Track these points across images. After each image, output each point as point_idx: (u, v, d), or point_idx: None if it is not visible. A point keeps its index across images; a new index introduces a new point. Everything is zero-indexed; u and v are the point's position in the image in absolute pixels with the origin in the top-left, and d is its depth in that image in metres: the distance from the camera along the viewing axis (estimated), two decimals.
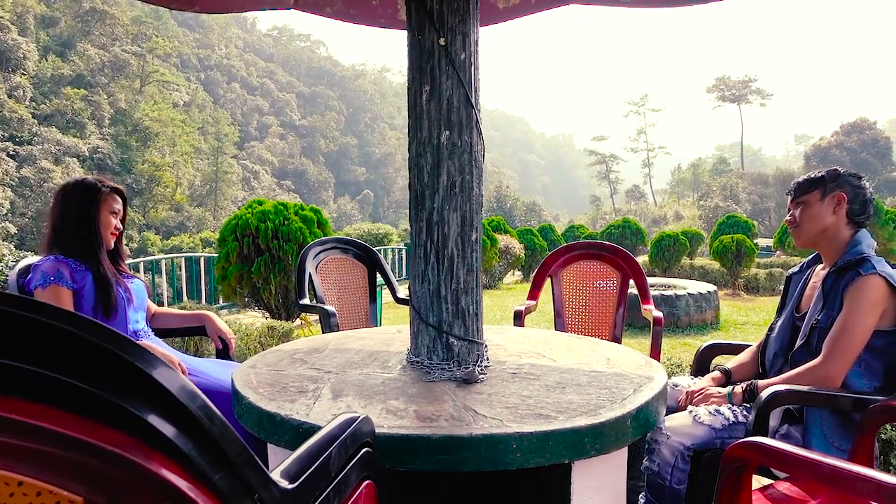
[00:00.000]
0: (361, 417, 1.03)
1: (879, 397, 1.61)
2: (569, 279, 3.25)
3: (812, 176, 1.84)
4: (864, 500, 1.25)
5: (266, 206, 6.38)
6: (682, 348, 5.79)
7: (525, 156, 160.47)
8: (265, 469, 0.68)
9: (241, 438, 0.64)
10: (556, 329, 3.16)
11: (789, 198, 1.91)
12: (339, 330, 2.64)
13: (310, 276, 3.02)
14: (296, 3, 2.28)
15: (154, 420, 0.57)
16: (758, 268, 11.74)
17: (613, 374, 1.57)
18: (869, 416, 1.56)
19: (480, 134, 1.67)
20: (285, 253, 6.04)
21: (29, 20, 45.58)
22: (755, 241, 14.43)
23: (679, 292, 7.07)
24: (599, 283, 3.19)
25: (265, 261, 6.03)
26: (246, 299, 6.43)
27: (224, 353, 2.37)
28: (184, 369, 2.01)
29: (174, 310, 2.80)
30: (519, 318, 2.94)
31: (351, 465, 0.94)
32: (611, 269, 3.19)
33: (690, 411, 1.78)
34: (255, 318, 6.84)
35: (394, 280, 3.41)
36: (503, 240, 13.10)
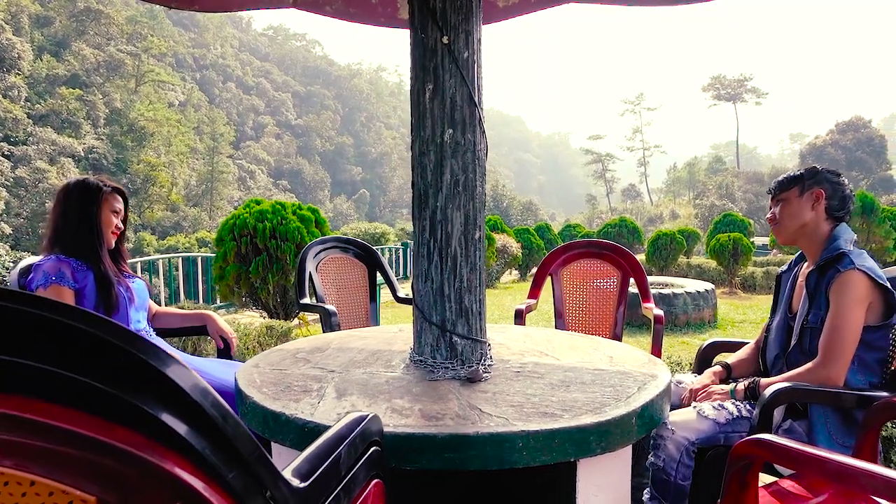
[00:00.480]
0: (370, 416, 1.03)
1: (882, 393, 1.62)
2: (569, 278, 3.25)
3: (791, 174, 1.88)
4: (868, 497, 1.26)
5: (264, 206, 6.37)
6: (681, 347, 5.80)
7: (521, 155, 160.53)
8: (277, 468, 0.68)
9: (253, 437, 0.64)
10: (556, 328, 3.17)
11: (770, 196, 1.93)
12: (339, 329, 2.64)
13: (310, 275, 3.01)
14: (295, 1, 2.27)
15: (167, 418, 0.56)
16: (754, 266, 11.78)
17: (617, 372, 1.57)
18: (872, 414, 1.57)
19: (483, 132, 1.67)
20: (283, 252, 6.03)
21: (23, 20, 45.34)
22: (751, 239, 14.47)
23: (677, 291, 7.07)
24: (600, 282, 3.19)
25: (263, 260, 6.02)
26: (244, 299, 6.43)
27: (225, 352, 2.37)
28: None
29: (175, 309, 2.80)
30: (520, 317, 2.94)
31: (360, 463, 0.94)
32: (611, 268, 3.19)
33: (694, 406, 1.78)
34: (252, 318, 6.83)
35: (394, 279, 3.41)
36: (500, 239, 13.10)
